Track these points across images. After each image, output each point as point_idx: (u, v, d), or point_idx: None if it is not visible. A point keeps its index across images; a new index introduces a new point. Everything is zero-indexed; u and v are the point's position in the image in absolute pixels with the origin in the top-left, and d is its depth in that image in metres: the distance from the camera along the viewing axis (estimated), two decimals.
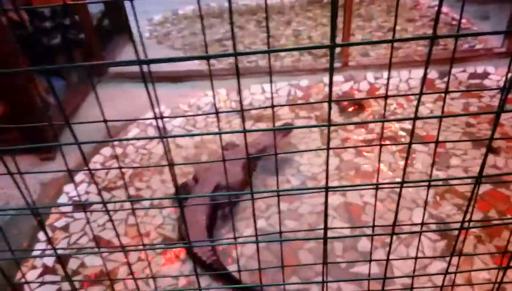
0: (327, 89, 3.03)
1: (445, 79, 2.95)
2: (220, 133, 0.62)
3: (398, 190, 2.13)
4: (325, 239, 0.75)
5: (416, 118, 0.58)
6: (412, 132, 0.63)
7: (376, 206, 0.91)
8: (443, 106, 0.81)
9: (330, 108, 0.58)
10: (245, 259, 1.85)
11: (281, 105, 0.88)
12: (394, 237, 1.45)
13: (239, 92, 0.56)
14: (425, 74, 0.58)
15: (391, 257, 0.84)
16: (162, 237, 2.02)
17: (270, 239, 1.71)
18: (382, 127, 0.80)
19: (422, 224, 0.86)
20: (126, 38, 3.93)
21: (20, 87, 2.33)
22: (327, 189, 0.66)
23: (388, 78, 0.75)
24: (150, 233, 2.04)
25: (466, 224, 0.77)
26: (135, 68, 0.58)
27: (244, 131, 0.59)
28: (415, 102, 2.80)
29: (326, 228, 0.74)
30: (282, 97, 2.97)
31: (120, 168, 0.75)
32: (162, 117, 0.78)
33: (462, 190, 2.08)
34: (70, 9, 3.09)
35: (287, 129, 2.52)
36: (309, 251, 1.85)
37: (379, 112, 2.77)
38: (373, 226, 0.88)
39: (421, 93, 0.58)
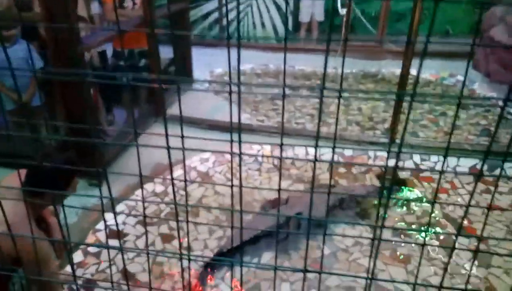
0: (371, 162, 3.04)
1: (494, 172, 2.87)
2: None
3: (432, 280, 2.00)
4: None
5: (468, 206, 0.60)
6: (461, 222, 0.65)
7: None
8: (492, 199, 0.81)
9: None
10: None
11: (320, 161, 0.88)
12: None
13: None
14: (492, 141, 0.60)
15: None
16: (186, 281, 2.03)
17: None
18: (431, 211, 0.81)
19: None
20: (187, 86, 4.23)
21: (88, 113, 2.55)
22: (370, 279, 0.68)
23: (451, 132, 0.77)
24: (174, 275, 2.06)
25: None
26: (189, 114, 0.66)
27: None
28: (460, 190, 2.73)
29: None
30: (324, 163, 3.00)
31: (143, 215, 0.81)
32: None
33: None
34: (145, 53, 3.40)
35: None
36: None
37: (422, 194, 2.72)
38: None
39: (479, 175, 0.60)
